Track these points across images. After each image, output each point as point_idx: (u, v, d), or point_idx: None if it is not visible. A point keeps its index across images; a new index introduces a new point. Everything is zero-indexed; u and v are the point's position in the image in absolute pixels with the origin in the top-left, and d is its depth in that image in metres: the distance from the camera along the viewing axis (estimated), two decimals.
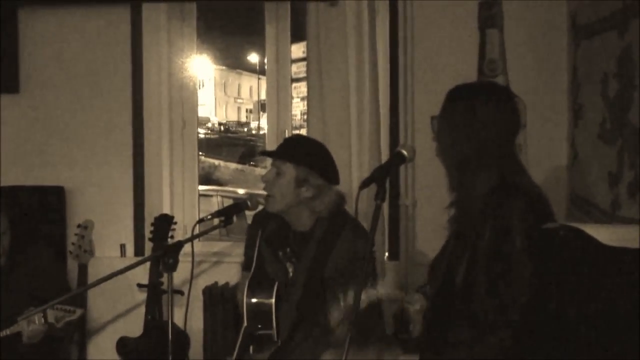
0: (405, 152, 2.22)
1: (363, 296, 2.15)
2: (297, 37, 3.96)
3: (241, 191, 8.34)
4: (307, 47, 3.65)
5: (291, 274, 2.86)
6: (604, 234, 2.13)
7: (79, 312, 2.96)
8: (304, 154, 2.82)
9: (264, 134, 4.52)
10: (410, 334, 2.28)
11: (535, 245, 2.06)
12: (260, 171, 8.62)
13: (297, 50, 4.13)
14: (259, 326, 2.76)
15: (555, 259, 2.07)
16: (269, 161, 3.92)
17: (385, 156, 3.60)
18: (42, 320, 2.87)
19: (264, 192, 2.88)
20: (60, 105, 3.96)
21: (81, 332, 3.71)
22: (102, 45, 3.91)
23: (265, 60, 4.00)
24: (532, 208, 2.11)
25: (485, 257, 2.09)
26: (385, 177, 2.11)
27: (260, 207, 2.97)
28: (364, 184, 2.13)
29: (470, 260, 2.12)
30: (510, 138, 2.26)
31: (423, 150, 2.39)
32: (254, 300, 2.78)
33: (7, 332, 2.94)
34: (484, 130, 2.19)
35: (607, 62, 2.97)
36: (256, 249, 2.90)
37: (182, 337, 3.31)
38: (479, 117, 2.19)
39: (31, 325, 2.89)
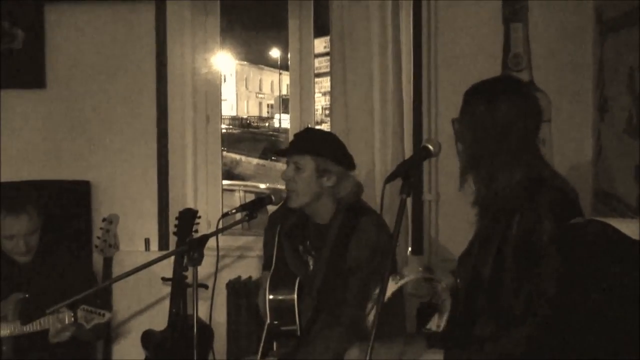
0: (431, 147, 2.21)
1: (391, 283, 2.14)
2: (318, 32, 3.96)
3: (262, 186, 8.36)
4: (331, 42, 3.64)
5: (312, 268, 2.87)
6: (629, 229, 2.11)
7: (107, 315, 2.97)
8: (319, 144, 2.84)
9: (286, 129, 4.52)
10: (440, 311, 2.26)
11: (564, 240, 2.04)
12: (281, 166, 8.62)
13: (319, 45, 4.13)
14: (282, 322, 2.76)
15: (583, 254, 2.05)
16: None
17: (408, 151, 3.59)
18: (72, 320, 2.90)
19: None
20: (85, 100, 3.99)
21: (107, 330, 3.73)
22: (127, 40, 3.94)
23: (288, 56, 4.00)
24: (561, 202, 2.09)
25: (513, 251, 2.08)
26: (412, 171, 2.11)
27: (274, 208, 2.98)
28: (390, 178, 2.12)
29: (499, 255, 2.11)
30: (532, 132, 2.24)
31: (446, 145, 2.38)
32: (276, 297, 2.78)
33: (37, 327, 2.96)
34: (504, 126, 2.17)
35: (634, 56, 2.93)
36: (275, 247, 2.91)
37: (206, 331, 3.33)
38: (498, 113, 2.18)
39: (60, 322, 2.90)
